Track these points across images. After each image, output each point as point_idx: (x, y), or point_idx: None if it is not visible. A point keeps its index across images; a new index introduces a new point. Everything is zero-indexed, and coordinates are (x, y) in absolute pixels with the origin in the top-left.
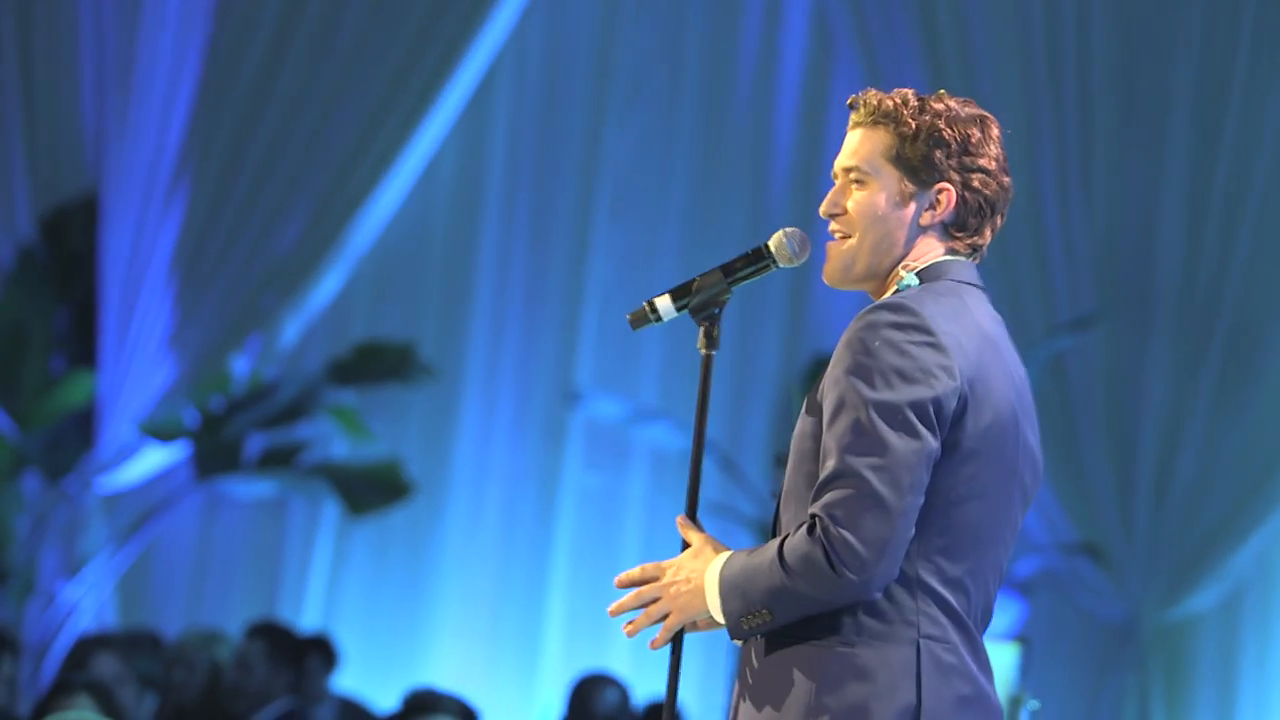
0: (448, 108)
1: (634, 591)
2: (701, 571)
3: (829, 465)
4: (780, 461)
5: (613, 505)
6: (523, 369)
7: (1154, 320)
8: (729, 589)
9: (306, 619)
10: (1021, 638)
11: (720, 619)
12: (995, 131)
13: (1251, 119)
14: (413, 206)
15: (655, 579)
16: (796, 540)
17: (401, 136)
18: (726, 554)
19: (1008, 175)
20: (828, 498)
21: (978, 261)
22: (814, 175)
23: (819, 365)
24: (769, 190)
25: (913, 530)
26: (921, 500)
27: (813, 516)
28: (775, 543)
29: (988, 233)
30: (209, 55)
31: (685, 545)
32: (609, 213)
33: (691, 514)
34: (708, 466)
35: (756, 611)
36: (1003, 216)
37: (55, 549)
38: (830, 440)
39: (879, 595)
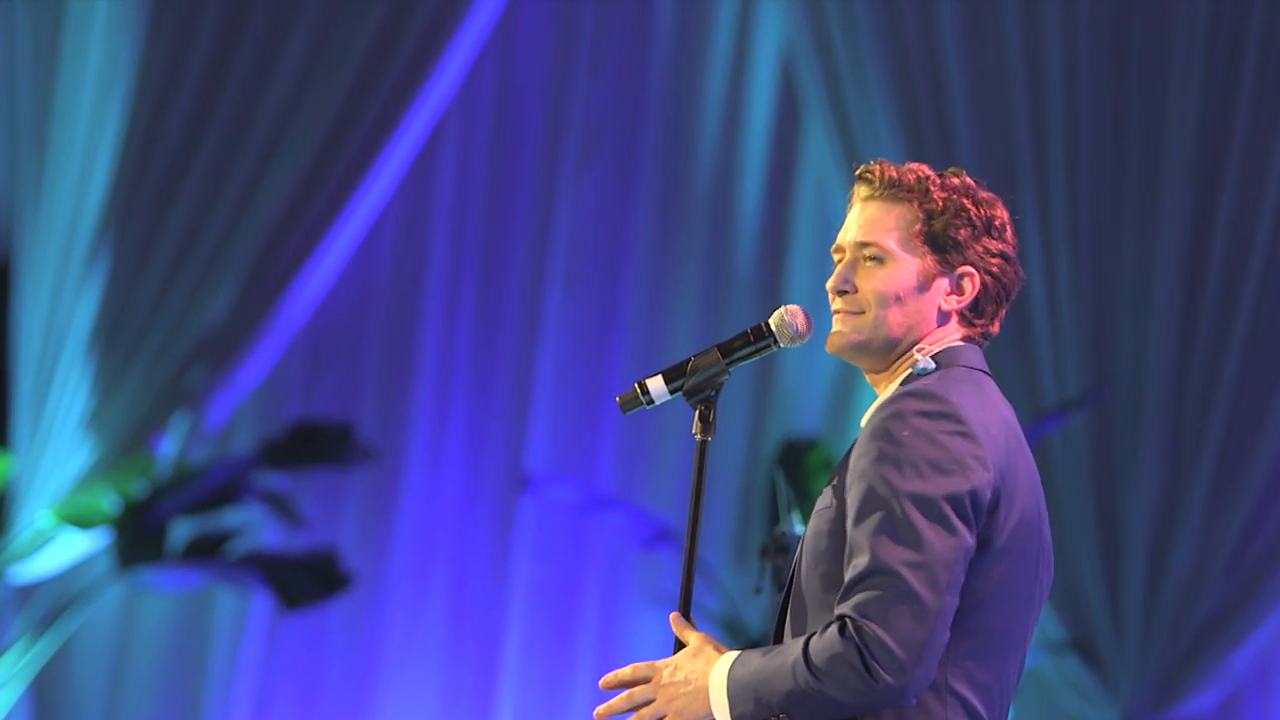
0: (388, 170)
1: (625, 693)
2: (703, 672)
3: (859, 563)
4: (765, 553)
5: (567, 599)
6: (469, 451)
7: (1146, 403)
8: (740, 691)
9: None
10: None
11: None
12: (1009, 215)
13: (1250, 189)
14: (351, 276)
15: (648, 679)
16: (826, 641)
17: (339, 201)
18: (731, 654)
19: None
20: (859, 597)
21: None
22: (782, 243)
23: (789, 449)
24: (734, 258)
25: (948, 633)
26: (957, 601)
27: (842, 617)
28: (797, 643)
29: (997, 324)
30: (130, 114)
31: (678, 646)
32: (562, 282)
33: (685, 611)
34: (667, 557)
35: (773, 716)
36: (1009, 307)
37: None
38: (860, 536)
39: (913, 702)
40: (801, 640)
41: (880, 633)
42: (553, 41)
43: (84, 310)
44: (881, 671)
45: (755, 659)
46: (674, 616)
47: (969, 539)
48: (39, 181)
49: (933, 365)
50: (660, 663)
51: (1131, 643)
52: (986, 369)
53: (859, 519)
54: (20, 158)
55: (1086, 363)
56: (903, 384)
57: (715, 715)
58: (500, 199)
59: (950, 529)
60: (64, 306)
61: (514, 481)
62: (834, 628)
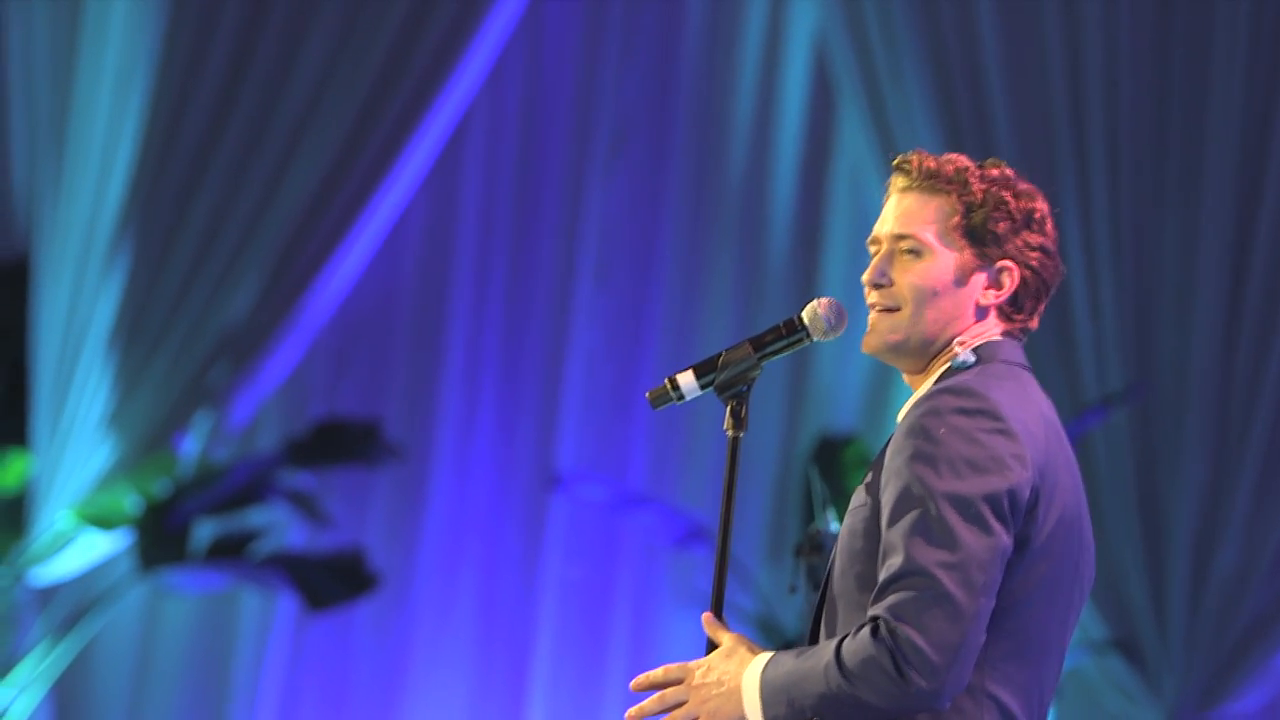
0: (414, 163)
1: (656, 695)
2: (737, 674)
3: (893, 563)
4: (800, 552)
5: (599, 600)
6: (498, 449)
7: (1189, 399)
8: (773, 693)
9: None
10: None
11: None
12: (1048, 207)
13: None
14: (377, 271)
15: (680, 680)
16: (858, 643)
17: (364, 194)
18: (766, 655)
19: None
20: (893, 598)
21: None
22: (816, 236)
23: (824, 445)
24: (767, 251)
25: (984, 636)
26: (993, 603)
27: (875, 619)
28: (829, 645)
29: (1036, 319)
30: (151, 108)
31: (711, 647)
32: (593, 276)
33: (718, 611)
34: (701, 556)
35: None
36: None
37: None
38: (894, 536)
39: (947, 706)
40: (834, 642)
41: (913, 635)
42: (582, 31)
43: (104, 307)
44: (914, 674)
45: (788, 661)
46: (706, 617)
47: (1006, 539)
48: (58, 177)
49: (972, 359)
50: (693, 664)
51: (1175, 642)
52: (1026, 364)
53: (893, 519)
54: (39, 153)
55: (1129, 359)
56: (940, 379)
57: (748, 717)
58: (529, 192)
59: (987, 529)
60: (84, 304)
61: (544, 480)
62: (866, 629)
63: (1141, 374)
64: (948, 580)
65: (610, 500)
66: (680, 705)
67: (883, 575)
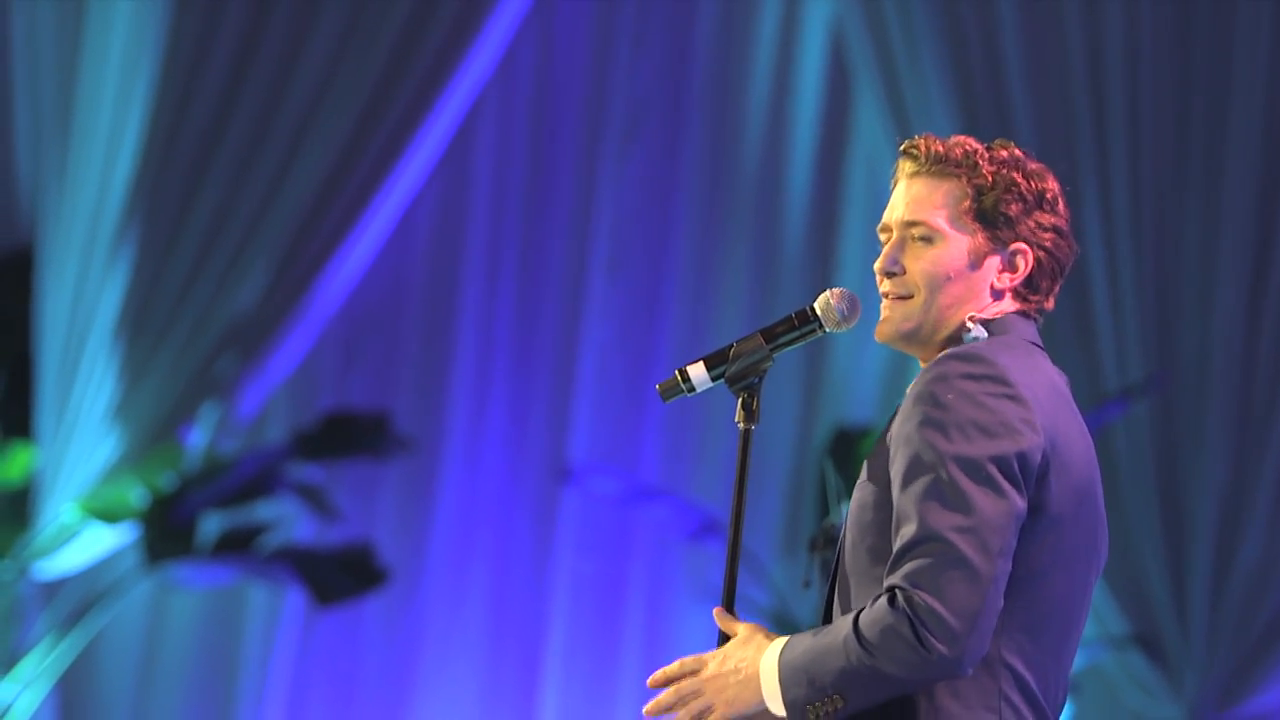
0: (424, 151)
1: (672, 688)
2: (754, 659)
3: (907, 531)
4: (815, 546)
5: (612, 594)
6: (509, 441)
7: (1211, 390)
8: (791, 674)
9: None
10: None
11: (779, 710)
12: (1059, 186)
13: None
14: (386, 261)
15: (696, 672)
16: (876, 614)
17: (373, 182)
18: (781, 640)
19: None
20: (909, 566)
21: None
22: (833, 225)
23: (840, 437)
24: (783, 241)
25: (1002, 600)
26: (1010, 566)
27: (892, 588)
28: (847, 619)
29: (1051, 299)
30: (156, 96)
31: (723, 641)
32: (605, 267)
33: (729, 606)
34: (715, 550)
35: (826, 698)
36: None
37: None
38: (906, 503)
39: (969, 673)
40: (851, 616)
41: (932, 602)
42: (594, 17)
43: (109, 297)
44: (935, 641)
45: (805, 640)
46: (718, 611)
47: (1020, 502)
48: (63, 166)
49: (984, 334)
50: (709, 654)
51: (1197, 637)
52: (1039, 341)
53: (904, 485)
54: (43, 141)
55: (1149, 348)
56: None
57: (767, 703)
58: (540, 181)
59: (999, 492)
60: (89, 294)
61: (556, 473)
62: (884, 599)
63: (1162, 365)
64: (964, 545)
65: (623, 493)
66: (697, 696)
67: (897, 544)
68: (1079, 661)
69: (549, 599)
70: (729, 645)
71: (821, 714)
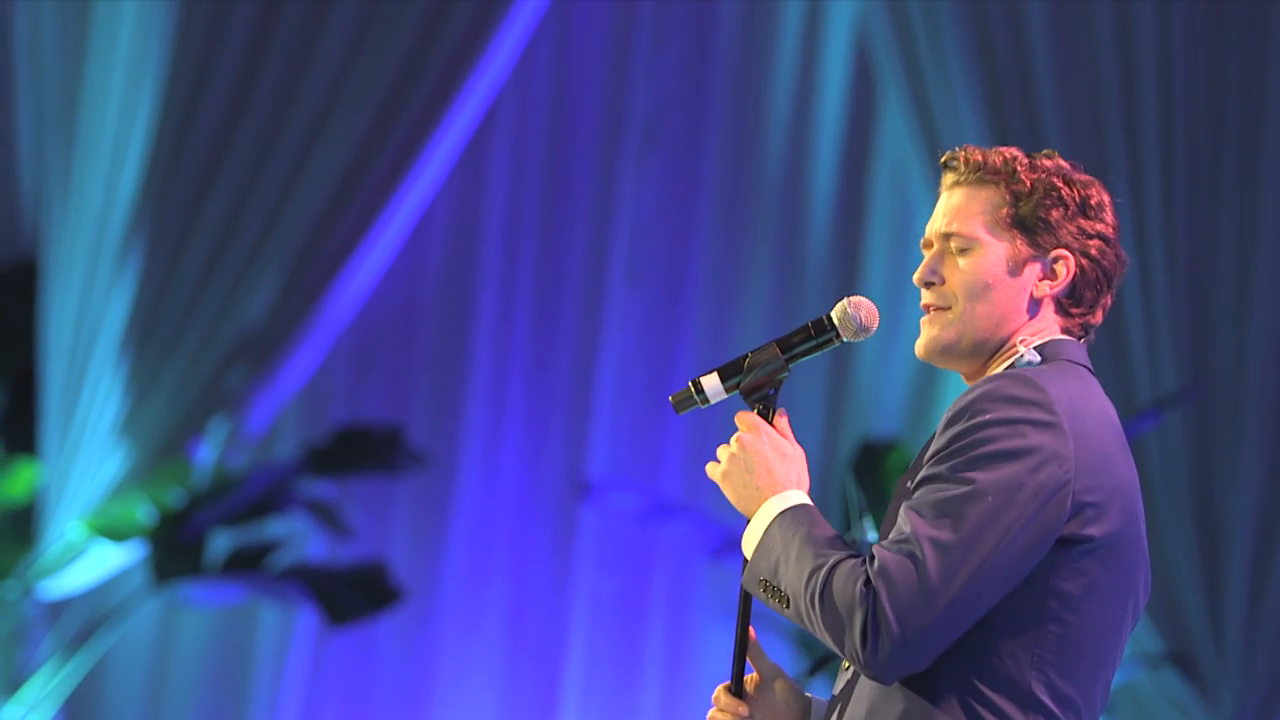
0: (439, 157)
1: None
2: (772, 485)
3: (902, 526)
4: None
5: (632, 612)
6: (526, 456)
7: (1246, 401)
8: (768, 544)
9: None
10: None
11: (745, 555)
12: (1109, 197)
13: None
14: (400, 271)
15: (755, 429)
16: (849, 583)
17: (386, 190)
18: (799, 495)
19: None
20: (886, 555)
21: (1087, 344)
22: (857, 232)
23: (866, 451)
24: (806, 248)
25: (959, 630)
26: (985, 598)
27: (867, 574)
28: (831, 556)
29: (1100, 312)
30: (164, 101)
31: (740, 662)
32: (624, 275)
33: (744, 623)
34: (736, 566)
35: (778, 593)
36: (1113, 295)
37: None
38: (911, 501)
39: (890, 684)
40: (835, 557)
41: (886, 606)
42: (612, 17)
43: (115, 310)
44: (871, 638)
45: (804, 528)
46: (752, 634)
47: (1018, 535)
48: (67, 175)
49: (1038, 358)
50: (781, 435)
51: (1233, 655)
52: (1090, 366)
53: (918, 485)
54: (47, 150)
55: (1183, 358)
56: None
57: (746, 533)
58: (558, 187)
59: (998, 520)
60: (94, 306)
61: (574, 487)
62: (861, 580)
63: (1196, 375)
64: (934, 557)
65: (643, 509)
66: (732, 459)
67: (892, 533)
68: (1112, 681)
69: (568, 617)
70: (774, 438)
71: (766, 599)
